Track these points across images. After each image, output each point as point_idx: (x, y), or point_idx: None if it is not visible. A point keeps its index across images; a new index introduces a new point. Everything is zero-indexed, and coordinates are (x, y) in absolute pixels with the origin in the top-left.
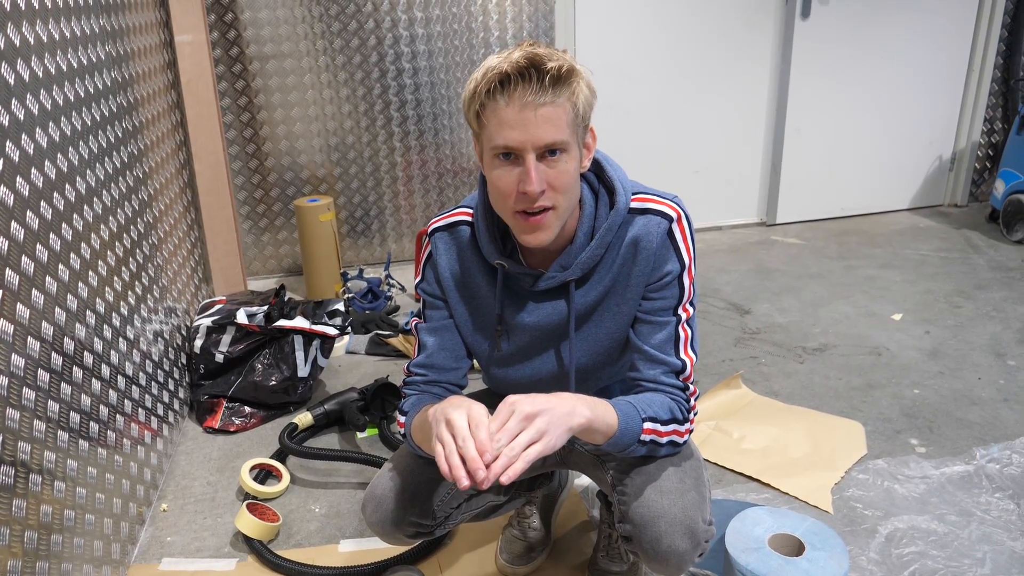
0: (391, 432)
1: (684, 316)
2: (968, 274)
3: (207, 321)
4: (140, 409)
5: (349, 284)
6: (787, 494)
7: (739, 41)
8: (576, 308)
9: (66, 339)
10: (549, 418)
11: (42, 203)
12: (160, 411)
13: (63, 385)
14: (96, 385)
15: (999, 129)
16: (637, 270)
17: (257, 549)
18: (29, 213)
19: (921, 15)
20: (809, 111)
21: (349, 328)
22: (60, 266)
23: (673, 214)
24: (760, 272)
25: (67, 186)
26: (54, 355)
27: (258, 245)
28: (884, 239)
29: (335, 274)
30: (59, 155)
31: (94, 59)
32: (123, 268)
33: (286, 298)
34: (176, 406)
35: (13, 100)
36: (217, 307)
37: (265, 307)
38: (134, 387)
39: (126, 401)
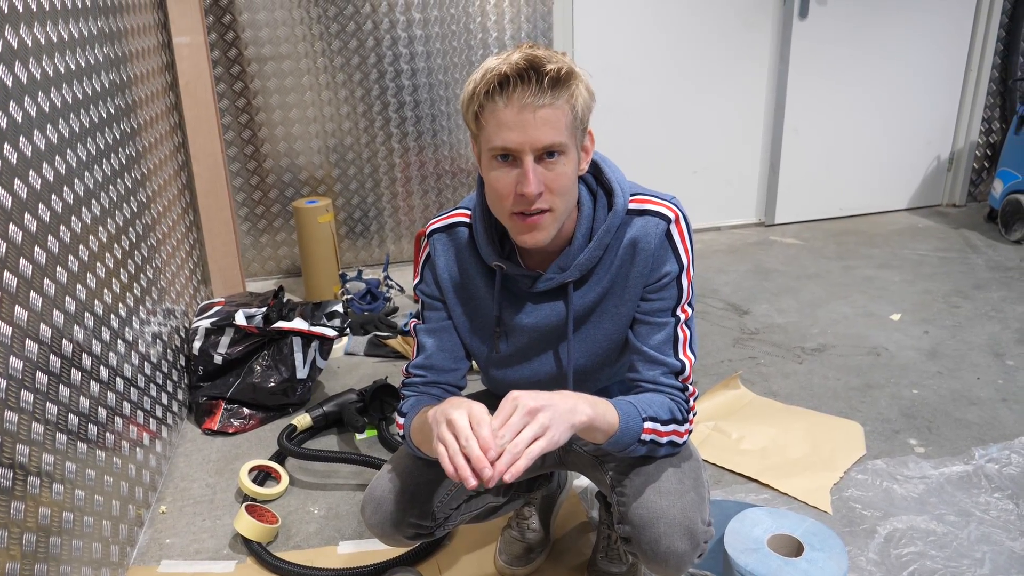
0: (390, 433)
1: (683, 317)
2: (967, 274)
3: (206, 323)
4: (139, 411)
5: (348, 285)
6: (786, 495)
7: (737, 41)
8: (574, 309)
9: (64, 341)
10: (552, 413)
11: (40, 205)
12: (159, 413)
13: (61, 387)
14: (95, 387)
15: (997, 129)
16: (635, 271)
17: (256, 551)
18: (27, 215)
19: (919, 15)
20: (807, 111)
21: (348, 329)
22: (58, 268)
23: (671, 215)
24: (759, 272)
25: (65, 188)
26: (52, 357)
27: (257, 246)
28: (882, 239)
29: (334, 275)
30: (57, 157)
31: (92, 61)
32: (121, 270)
33: (285, 299)
34: (175, 408)
35: (11, 102)
36: (216, 309)
37: (264, 309)
38: (132, 389)
39: (124, 403)
